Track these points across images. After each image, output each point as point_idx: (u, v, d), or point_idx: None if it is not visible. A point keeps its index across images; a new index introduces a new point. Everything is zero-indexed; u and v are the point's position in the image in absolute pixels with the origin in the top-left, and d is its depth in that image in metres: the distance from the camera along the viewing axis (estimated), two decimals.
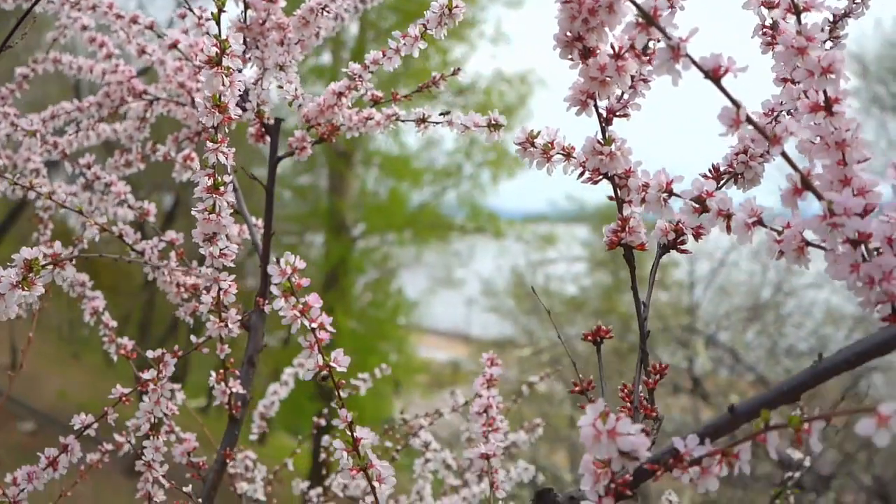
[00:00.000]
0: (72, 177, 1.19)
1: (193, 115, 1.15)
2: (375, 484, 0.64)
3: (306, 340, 0.62)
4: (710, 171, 0.68)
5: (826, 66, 0.52)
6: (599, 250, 10.70)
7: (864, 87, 9.09)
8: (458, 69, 0.99)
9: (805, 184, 0.51)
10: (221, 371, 0.96)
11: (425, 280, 11.96)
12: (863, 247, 0.52)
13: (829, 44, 0.71)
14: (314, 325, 0.61)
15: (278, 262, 0.60)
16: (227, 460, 0.98)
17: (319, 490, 1.45)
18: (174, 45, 1.03)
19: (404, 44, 0.89)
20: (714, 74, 0.50)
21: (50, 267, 0.66)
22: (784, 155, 0.51)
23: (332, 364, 0.63)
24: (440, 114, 0.93)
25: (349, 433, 0.65)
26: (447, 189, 11.69)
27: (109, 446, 1.12)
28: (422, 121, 0.94)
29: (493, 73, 10.39)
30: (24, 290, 0.67)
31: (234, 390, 0.97)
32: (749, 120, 0.50)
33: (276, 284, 0.60)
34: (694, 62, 0.50)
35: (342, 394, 0.64)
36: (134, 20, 1.09)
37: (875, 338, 0.49)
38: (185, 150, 1.19)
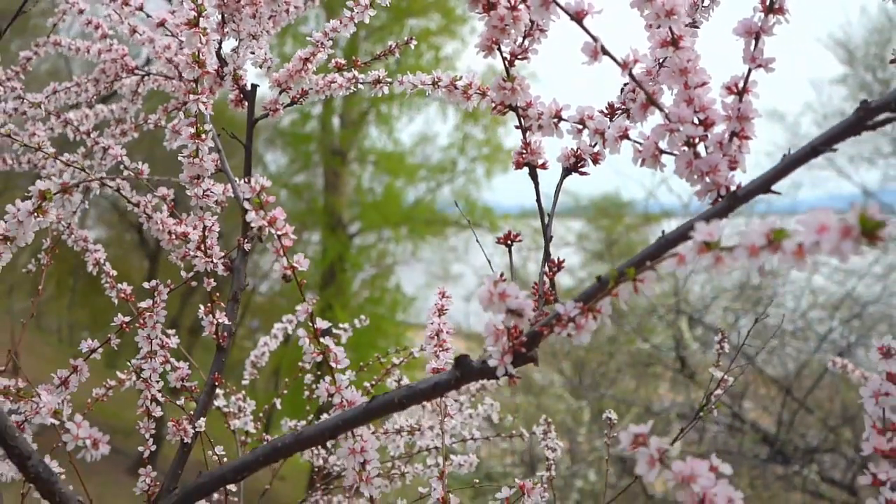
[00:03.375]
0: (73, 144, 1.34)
1: (181, 87, 1.29)
2: (333, 365, 0.79)
3: (273, 246, 0.76)
4: (606, 106, 0.83)
5: (669, 10, 0.67)
6: (595, 242, 10.86)
7: (851, 75, 9.23)
8: (411, 38, 1.14)
9: (650, 100, 0.65)
10: (209, 304, 1.10)
11: (422, 276, 12.09)
12: (702, 149, 0.67)
13: (706, 1, 0.85)
14: (280, 233, 0.76)
15: (249, 181, 0.74)
16: (217, 384, 1.12)
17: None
18: (162, 24, 1.17)
19: (357, 11, 1.04)
20: (578, 17, 0.65)
21: (60, 194, 0.81)
22: (632, 77, 0.65)
23: (294, 265, 0.77)
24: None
25: (311, 324, 0.79)
26: (442, 185, 11.84)
27: (113, 382, 1.26)
28: (377, 81, 1.09)
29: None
30: (39, 216, 0.82)
31: (220, 321, 1.11)
32: (604, 51, 0.64)
33: (246, 199, 0.74)
34: (560, 7, 0.64)
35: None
36: (126, 2, 1.23)
37: (706, 213, 0.64)
38: (175, 120, 1.33)
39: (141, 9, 1.23)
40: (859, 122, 0.59)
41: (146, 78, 1.34)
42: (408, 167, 11.90)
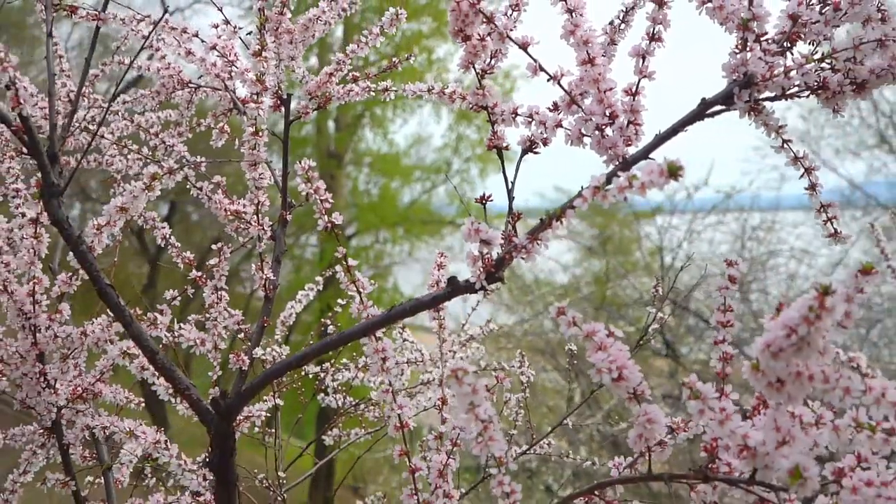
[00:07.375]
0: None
1: (226, 96, 1.62)
2: (361, 290, 1.12)
3: (316, 208, 1.10)
4: (552, 104, 1.16)
5: (585, 40, 1.00)
6: (588, 238, 11.19)
7: None
8: (412, 54, 1.47)
9: (572, 100, 0.99)
10: (259, 263, 1.43)
11: (419, 275, 12.39)
12: (610, 132, 1.00)
13: (623, 25, 1.18)
14: (322, 197, 1.09)
15: (299, 161, 1.08)
16: (265, 325, 1.45)
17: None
18: (213, 47, 1.50)
19: (371, 38, 1.37)
20: (523, 45, 0.98)
21: (167, 175, 1.14)
22: (560, 85, 0.99)
23: (333, 220, 1.10)
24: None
25: (345, 262, 1.12)
26: (437, 185, 12.17)
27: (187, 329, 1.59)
28: (386, 90, 1.42)
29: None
30: (148, 192, 1.15)
31: (268, 277, 1.44)
32: (541, 68, 0.98)
33: (298, 175, 1.08)
34: (512, 40, 0.98)
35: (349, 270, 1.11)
36: (184, 30, 1.56)
37: (605, 173, 0.97)
38: (221, 123, 1.66)
39: (196, 35, 1.56)
40: (700, 112, 0.92)
41: (198, 90, 1.67)
42: (403, 168, 12.19)
